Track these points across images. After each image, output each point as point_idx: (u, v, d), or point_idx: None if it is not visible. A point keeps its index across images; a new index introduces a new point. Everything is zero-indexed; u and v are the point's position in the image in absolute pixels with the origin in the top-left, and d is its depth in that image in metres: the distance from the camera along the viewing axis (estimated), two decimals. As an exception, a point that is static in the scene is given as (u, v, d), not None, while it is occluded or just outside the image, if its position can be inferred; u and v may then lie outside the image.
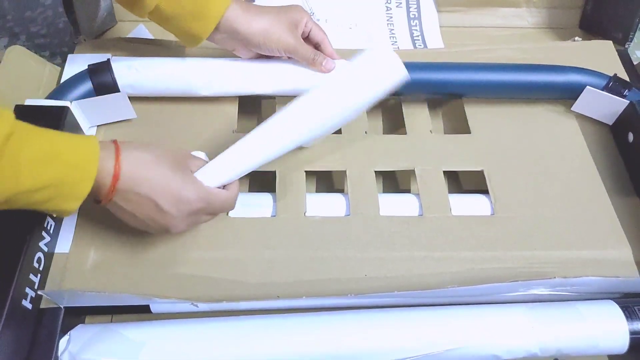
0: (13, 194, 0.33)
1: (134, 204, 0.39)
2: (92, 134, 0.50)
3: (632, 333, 0.40)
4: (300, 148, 0.51)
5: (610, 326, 0.41)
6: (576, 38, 0.66)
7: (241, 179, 0.45)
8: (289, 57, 0.52)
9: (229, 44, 0.51)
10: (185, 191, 0.40)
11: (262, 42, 0.50)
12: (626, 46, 0.66)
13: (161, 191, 0.39)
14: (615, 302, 0.42)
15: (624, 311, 0.41)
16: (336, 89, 0.46)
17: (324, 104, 0.46)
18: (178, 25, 0.48)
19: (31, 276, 0.41)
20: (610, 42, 0.64)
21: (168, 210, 0.39)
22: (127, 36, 0.64)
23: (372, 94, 0.47)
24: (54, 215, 0.43)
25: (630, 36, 0.66)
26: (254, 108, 0.60)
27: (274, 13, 0.51)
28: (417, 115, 0.57)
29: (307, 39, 0.53)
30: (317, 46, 0.53)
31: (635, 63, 0.64)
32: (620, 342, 0.40)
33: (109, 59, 0.52)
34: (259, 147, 0.45)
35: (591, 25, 0.71)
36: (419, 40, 0.70)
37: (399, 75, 0.47)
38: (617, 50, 0.63)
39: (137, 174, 0.38)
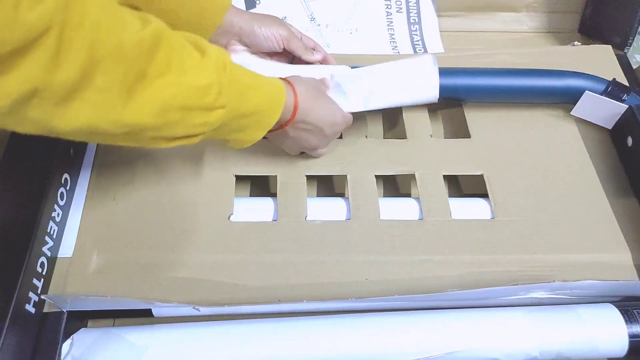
0: (232, 117, 0.38)
1: (302, 131, 0.46)
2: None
3: (631, 336, 0.40)
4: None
5: (609, 329, 0.41)
6: (575, 43, 0.67)
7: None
8: (282, 50, 0.53)
9: (222, 38, 0.51)
10: (337, 117, 0.48)
11: (257, 30, 0.51)
12: (625, 50, 0.67)
13: (324, 119, 0.47)
14: (615, 305, 0.42)
15: (623, 314, 0.41)
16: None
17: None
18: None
19: (34, 281, 0.41)
20: (610, 46, 0.64)
21: (328, 134, 0.48)
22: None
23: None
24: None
25: (629, 41, 0.66)
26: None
27: (270, 20, 0.53)
28: (417, 120, 0.57)
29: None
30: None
31: (634, 67, 0.64)
32: (620, 345, 0.40)
33: None
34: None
35: (590, 30, 0.72)
36: (419, 45, 0.71)
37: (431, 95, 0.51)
38: (616, 55, 0.63)
39: (308, 105, 0.45)
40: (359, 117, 0.57)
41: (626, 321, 0.41)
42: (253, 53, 0.53)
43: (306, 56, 0.54)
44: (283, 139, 0.47)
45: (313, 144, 0.48)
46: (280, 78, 0.44)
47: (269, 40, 0.52)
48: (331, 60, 0.56)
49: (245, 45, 0.52)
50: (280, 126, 0.44)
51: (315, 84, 0.48)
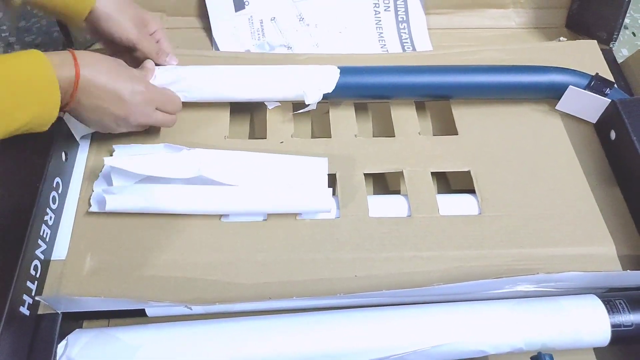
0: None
1: (98, 100, 0.44)
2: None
3: (614, 326, 0.41)
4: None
5: (592, 320, 0.42)
6: (561, 38, 0.67)
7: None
8: (132, 49, 0.53)
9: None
10: (137, 82, 0.47)
11: (105, 27, 0.50)
12: (611, 45, 0.67)
13: (121, 84, 0.45)
14: (597, 296, 0.43)
15: (605, 305, 0.42)
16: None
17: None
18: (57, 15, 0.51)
19: (28, 283, 0.42)
20: (595, 41, 0.64)
21: (128, 100, 0.45)
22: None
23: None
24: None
25: (615, 36, 0.67)
26: (245, 114, 0.61)
27: (126, 4, 0.52)
28: (405, 118, 0.58)
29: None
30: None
31: (619, 62, 0.65)
32: (603, 335, 0.41)
33: None
34: None
35: (577, 25, 0.72)
36: (407, 43, 0.72)
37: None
38: (602, 50, 0.64)
39: (98, 72, 0.43)
40: (348, 117, 0.58)
41: (608, 311, 0.42)
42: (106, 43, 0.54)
43: (157, 61, 0.54)
44: (82, 113, 0.45)
45: (117, 112, 0.46)
46: (67, 50, 0.43)
47: (116, 39, 0.51)
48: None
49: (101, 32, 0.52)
50: (70, 96, 0.43)
51: (113, 57, 0.47)
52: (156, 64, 0.53)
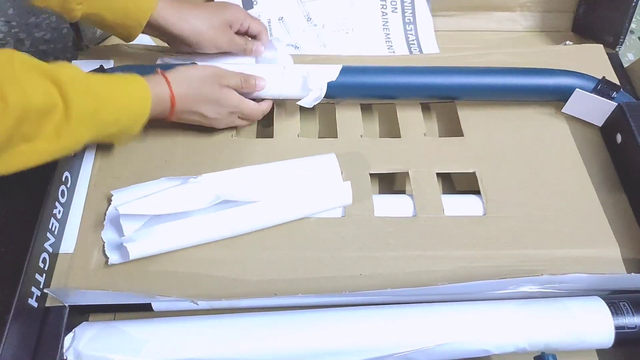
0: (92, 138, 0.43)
1: (188, 116, 0.51)
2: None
3: (618, 328, 0.41)
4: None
5: (596, 321, 0.42)
6: (567, 42, 0.68)
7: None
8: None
9: (167, 41, 0.55)
10: (222, 101, 0.51)
11: (194, 43, 0.54)
12: (617, 49, 0.68)
13: (205, 105, 0.51)
14: (602, 298, 0.43)
15: (609, 307, 0.42)
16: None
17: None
18: (109, 30, 0.52)
19: (37, 276, 0.42)
20: (601, 45, 0.65)
21: (212, 117, 0.52)
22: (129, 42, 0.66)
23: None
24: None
25: (621, 40, 0.67)
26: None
27: (207, 13, 0.54)
28: (411, 119, 0.58)
29: (246, 33, 0.58)
30: (255, 38, 0.59)
31: (625, 66, 0.65)
32: (606, 336, 0.41)
33: (101, 65, 0.55)
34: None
35: (583, 29, 0.73)
36: (414, 44, 0.72)
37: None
38: (608, 54, 0.64)
39: (188, 98, 0.49)
40: (354, 117, 0.58)
41: (612, 313, 0.42)
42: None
43: (245, 55, 0.58)
44: (176, 119, 0.51)
45: (201, 123, 0.53)
46: (159, 72, 0.48)
47: (207, 51, 0.55)
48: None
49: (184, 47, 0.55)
50: (166, 116, 0.50)
51: (207, 72, 0.51)
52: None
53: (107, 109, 0.42)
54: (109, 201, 0.49)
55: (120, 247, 0.45)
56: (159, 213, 0.45)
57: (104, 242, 0.47)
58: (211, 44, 0.54)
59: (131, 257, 0.45)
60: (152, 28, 0.52)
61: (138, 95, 0.46)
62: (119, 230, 0.46)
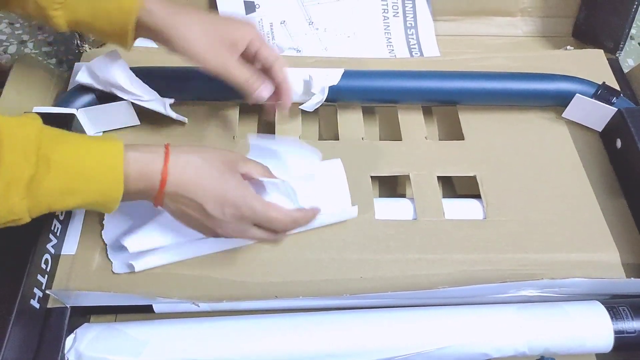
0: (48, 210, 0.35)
1: (183, 206, 0.39)
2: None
3: (617, 332, 0.42)
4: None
5: (595, 326, 0.42)
6: (568, 47, 0.68)
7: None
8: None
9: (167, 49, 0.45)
10: (230, 195, 0.39)
11: (182, 52, 0.44)
12: (617, 55, 0.68)
13: (207, 195, 0.38)
14: (601, 302, 0.44)
15: (609, 311, 0.42)
16: None
17: None
18: (101, 37, 0.48)
19: (39, 277, 0.42)
20: (602, 50, 0.65)
21: (214, 214, 0.39)
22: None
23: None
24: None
25: (621, 45, 0.67)
26: (254, 114, 0.62)
27: (209, 22, 0.45)
28: (412, 122, 0.58)
29: (255, 59, 0.47)
30: (266, 71, 0.47)
31: (625, 71, 0.65)
32: (606, 341, 0.42)
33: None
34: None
35: (584, 34, 0.73)
36: (415, 48, 0.72)
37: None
38: (608, 59, 0.64)
39: (184, 177, 0.38)
40: (356, 120, 0.58)
41: (612, 318, 0.42)
42: None
43: (245, 90, 0.46)
44: (168, 210, 0.40)
45: (205, 223, 0.39)
46: (164, 145, 0.38)
47: (202, 66, 0.45)
48: (288, 87, 0.48)
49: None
50: (155, 197, 0.38)
51: (214, 157, 0.40)
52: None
53: (54, 176, 0.34)
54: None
55: (124, 259, 0.46)
56: (166, 244, 0.44)
57: (106, 245, 0.47)
58: (204, 59, 0.44)
59: (137, 270, 0.45)
60: (145, 31, 0.44)
61: (107, 162, 0.36)
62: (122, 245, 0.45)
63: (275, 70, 0.47)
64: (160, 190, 0.37)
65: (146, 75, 0.53)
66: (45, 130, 0.35)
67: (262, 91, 0.47)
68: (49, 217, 0.45)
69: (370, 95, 0.58)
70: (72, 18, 0.43)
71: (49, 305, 0.43)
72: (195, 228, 0.41)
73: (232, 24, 0.46)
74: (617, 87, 0.60)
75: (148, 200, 0.39)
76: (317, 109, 0.57)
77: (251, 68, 0.46)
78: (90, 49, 0.63)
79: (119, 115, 0.53)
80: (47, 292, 0.43)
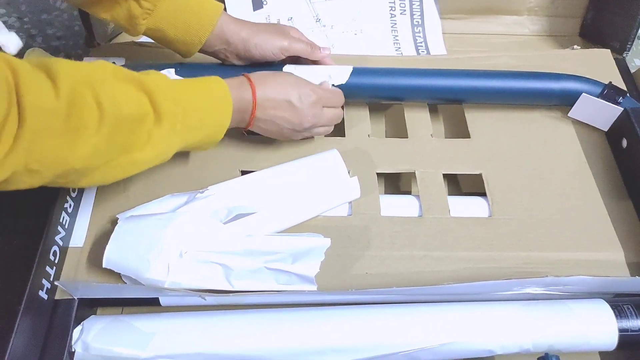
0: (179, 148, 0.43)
1: (272, 110, 0.48)
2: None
3: (621, 330, 0.42)
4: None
5: (600, 324, 0.42)
6: (575, 46, 0.68)
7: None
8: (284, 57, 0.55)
9: (220, 53, 0.54)
10: (302, 86, 0.49)
11: (252, 50, 0.53)
12: (624, 55, 0.68)
13: (288, 91, 0.48)
14: (605, 301, 0.44)
15: (613, 309, 0.43)
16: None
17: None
18: (167, 45, 0.52)
19: (47, 268, 0.43)
20: (608, 50, 0.65)
21: (297, 105, 0.48)
22: (139, 40, 0.66)
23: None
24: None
25: (628, 45, 0.67)
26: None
27: (264, 24, 0.55)
28: (418, 120, 0.58)
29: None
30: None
31: (632, 71, 0.65)
32: (610, 339, 0.42)
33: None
34: None
35: (591, 34, 0.73)
36: (422, 46, 0.72)
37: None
38: (615, 59, 0.64)
39: (268, 88, 0.48)
40: (362, 117, 0.58)
41: (616, 316, 0.42)
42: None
43: (311, 57, 0.56)
44: (262, 126, 0.49)
45: (293, 120, 0.49)
46: (245, 75, 0.48)
47: (266, 57, 0.54)
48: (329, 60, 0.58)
49: (242, 59, 0.55)
50: (250, 118, 0.47)
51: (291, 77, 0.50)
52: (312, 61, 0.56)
53: (192, 114, 0.42)
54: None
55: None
56: (205, 286, 0.43)
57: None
58: (272, 44, 0.53)
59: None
60: (212, 39, 0.52)
61: (218, 95, 0.45)
62: None
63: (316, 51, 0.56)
64: (254, 104, 0.47)
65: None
66: (173, 82, 0.42)
67: (325, 50, 0.57)
68: (58, 209, 0.45)
69: (377, 92, 0.58)
70: (152, 26, 0.50)
71: (57, 297, 0.44)
72: (283, 130, 0.50)
73: (276, 25, 0.57)
74: (624, 87, 0.60)
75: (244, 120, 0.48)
76: (323, 105, 0.57)
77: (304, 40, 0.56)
78: (99, 44, 0.64)
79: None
80: (56, 283, 0.43)
